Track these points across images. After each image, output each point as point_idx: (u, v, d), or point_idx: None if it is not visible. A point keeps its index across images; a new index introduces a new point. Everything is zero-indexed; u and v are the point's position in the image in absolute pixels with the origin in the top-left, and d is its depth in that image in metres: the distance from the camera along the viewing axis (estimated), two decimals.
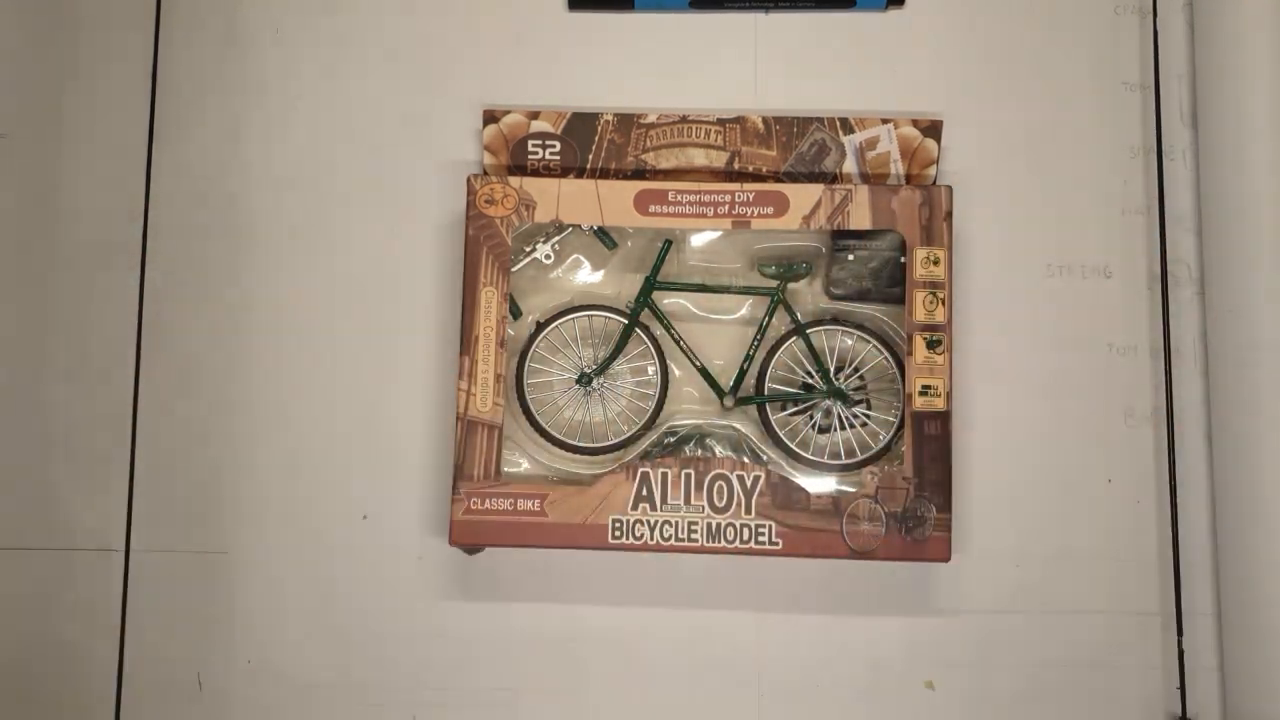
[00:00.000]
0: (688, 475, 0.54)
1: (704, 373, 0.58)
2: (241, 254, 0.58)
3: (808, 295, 0.58)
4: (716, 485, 0.54)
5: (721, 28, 0.59)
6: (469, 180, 0.55)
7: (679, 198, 0.56)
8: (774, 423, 0.57)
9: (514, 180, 0.55)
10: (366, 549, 0.56)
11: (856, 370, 0.57)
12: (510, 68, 0.59)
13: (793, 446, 0.57)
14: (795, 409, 0.57)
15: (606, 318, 0.58)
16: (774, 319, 0.58)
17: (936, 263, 0.54)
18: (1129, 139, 0.58)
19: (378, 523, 0.57)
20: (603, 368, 0.58)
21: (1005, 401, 0.57)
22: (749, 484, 0.54)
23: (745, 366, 0.58)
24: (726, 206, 0.55)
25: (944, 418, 0.54)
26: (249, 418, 0.57)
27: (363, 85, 0.59)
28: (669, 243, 0.57)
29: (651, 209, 0.56)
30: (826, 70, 0.59)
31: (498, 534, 0.54)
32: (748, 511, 0.54)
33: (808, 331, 0.57)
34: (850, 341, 0.57)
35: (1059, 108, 0.59)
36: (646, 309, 0.58)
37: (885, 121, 0.57)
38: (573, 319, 0.58)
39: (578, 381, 0.58)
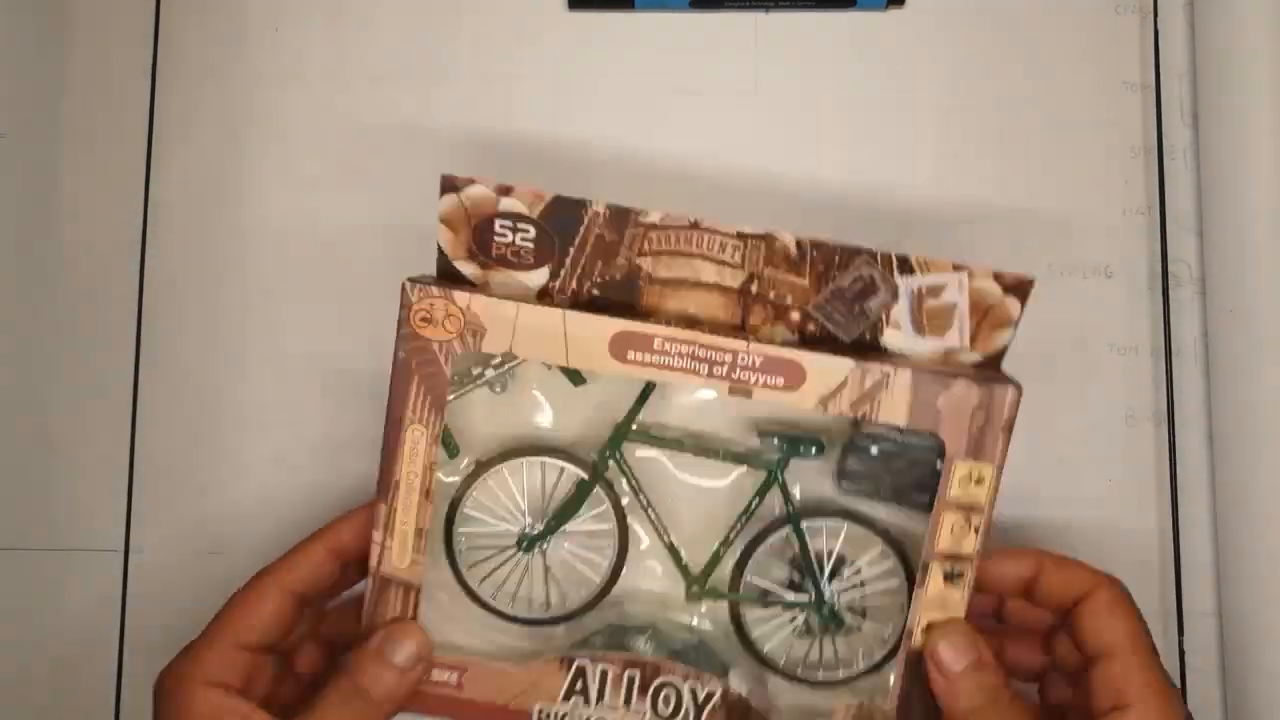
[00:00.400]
0: (631, 676, 0.47)
1: (673, 552, 0.49)
2: (241, 254, 0.58)
3: (813, 476, 0.49)
4: (664, 693, 0.47)
5: (722, 27, 0.59)
6: (404, 288, 0.44)
7: (668, 346, 0.44)
8: (746, 622, 0.49)
9: (460, 297, 0.44)
10: None
11: (859, 578, 0.49)
12: (511, 67, 0.59)
13: (763, 653, 0.49)
14: (774, 607, 0.49)
15: (563, 468, 0.49)
16: (767, 498, 0.49)
17: (980, 482, 0.44)
18: (1129, 139, 0.58)
19: None
20: (550, 529, 0.49)
21: None
22: (701, 697, 0.47)
23: (722, 552, 0.49)
24: (725, 367, 0.44)
25: None
26: (249, 418, 0.57)
27: (362, 85, 0.59)
28: (651, 385, 0.48)
29: (631, 355, 0.44)
30: (827, 70, 0.59)
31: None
32: None
33: (804, 525, 0.48)
34: (854, 543, 0.49)
35: (1059, 108, 0.59)
36: (613, 463, 0.49)
37: (958, 269, 0.45)
38: (522, 464, 0.49)
39: (518, 544, 0.49)
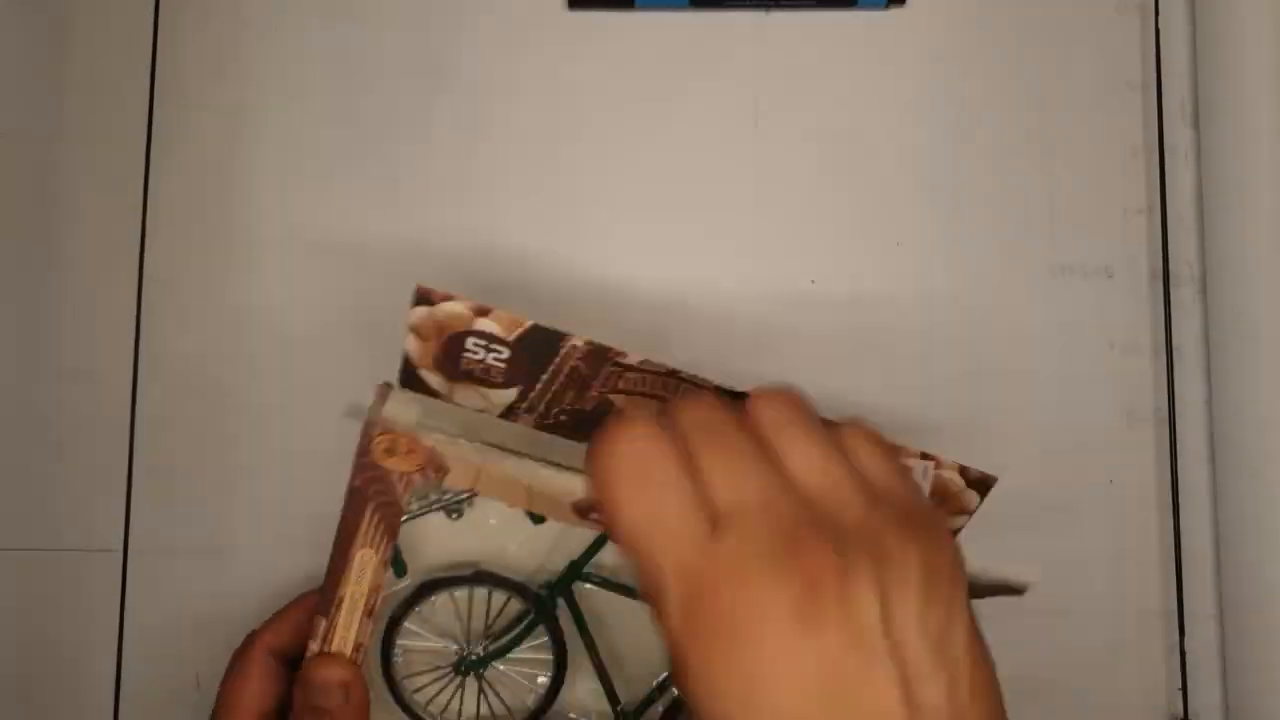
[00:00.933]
0: None
1: (608, 689, 0.49)
2: (241, 254, 0.58)
3: None
4: None
5: (722, 27, 0.59)
6: (365, 426, 0.44)
7: None
8: None
9: (425, 437, 0.43)
10: None
11: None
12: (511, 67, 0.59)
13: None
14: None
15: (508, 598, 0.49)
16: None
17: None
18: (1130, 139, 0.58)
19: None
20: (491, 657, 0.49)
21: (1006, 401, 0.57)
22: None
23: (655, 696, 0.49)
24: None
25: None
26: (248, 417, 0.57)
27: (362, 85, 0.59)
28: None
29: (594, 516, 0.43)
30: (827, 70, 0.59)
31: None
32: None
33: None
34: None
35: (1059, 107, 0.59)
36: (561, 600, 0.49)
37: (926, 457, 0.45)
38: (468, 591, 0.49)
39: (455, 667, 0.49)
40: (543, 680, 0.49)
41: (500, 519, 0.49)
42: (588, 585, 0.49)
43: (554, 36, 0.60)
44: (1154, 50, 0.58)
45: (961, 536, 0.46)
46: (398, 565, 0.49)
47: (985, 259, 0.58)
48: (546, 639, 0.49)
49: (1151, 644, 0.55)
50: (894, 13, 0.59)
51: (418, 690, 0.49)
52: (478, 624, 0.49)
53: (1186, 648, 0.55)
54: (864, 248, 0.58)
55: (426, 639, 0.49)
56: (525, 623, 0.49)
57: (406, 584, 0.49)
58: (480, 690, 0.49)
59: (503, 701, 0.50)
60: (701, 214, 0.58)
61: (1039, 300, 0.57)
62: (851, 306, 0.58)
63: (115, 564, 0.57)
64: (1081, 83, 0.59)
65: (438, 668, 0.50)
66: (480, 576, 0.49)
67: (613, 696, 0.49)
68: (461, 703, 0.49)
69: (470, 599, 0.49)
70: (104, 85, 0.59)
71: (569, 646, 0.49)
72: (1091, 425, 0.57)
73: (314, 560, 0.56)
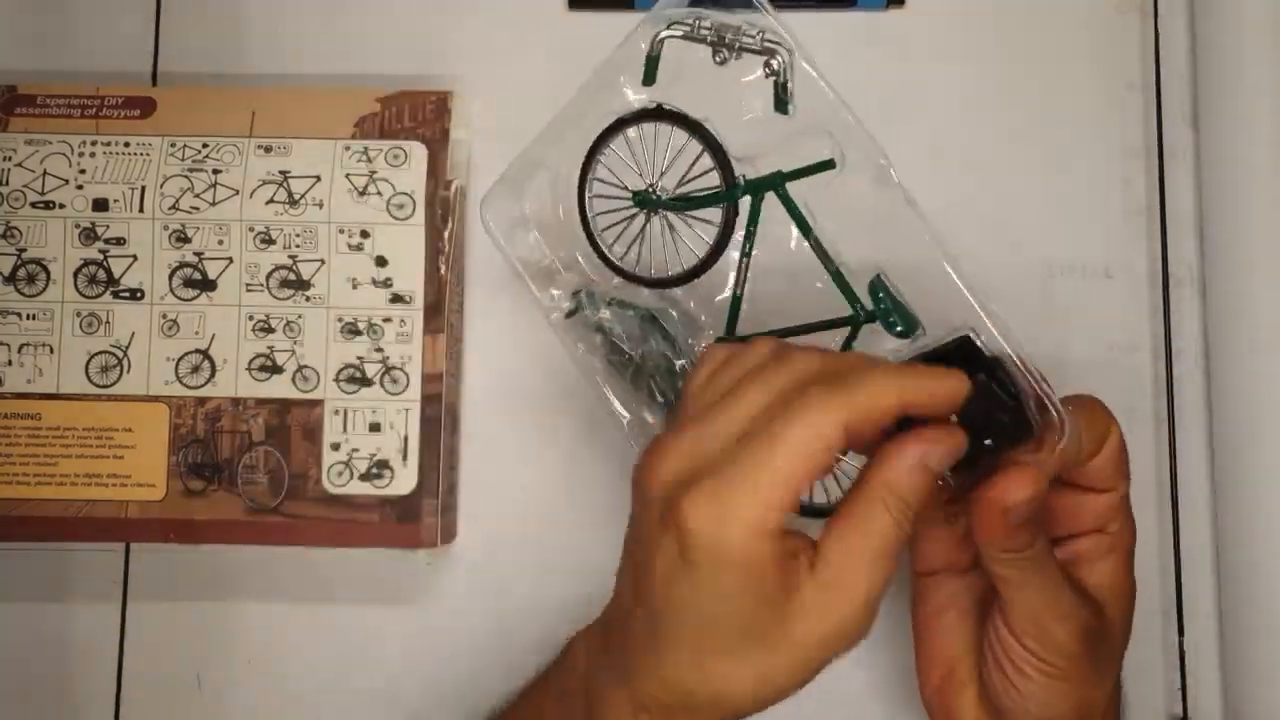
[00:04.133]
0: None
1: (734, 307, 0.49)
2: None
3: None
4: None
5: None
6: None
7: None
8: None
9: None
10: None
11: None
12: (511, 67, 0.59)
13: None
14: None
15: (710, 168, 0.49)
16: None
17: None
18: (1129, 139, 0.58)
19: None
20: (671, 204, 0.50)
21: None
22: None
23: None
24: None
25: None
26: None
27: (361, 85, 0.59)
28: (831, 163, 0.48)
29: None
30: (826, 70, 0.59)
31: None
32: None
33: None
34: None
35: (1059, 108, 0.59)
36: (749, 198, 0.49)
37: None
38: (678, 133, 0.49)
39: (637, 198, 0.50)
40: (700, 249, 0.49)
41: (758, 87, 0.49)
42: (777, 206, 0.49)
43: (554, 36, 0.60)
44: (1154, 51, 0.58)
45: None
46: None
47: (985, 259, 0.58)
48: (717, 222, 0.49)
49: (1150, 643, 0.55)
50: (894, 13, 0.59)
51: (604, 228, 0.51)
52: (659, 162, 0.50)
53: (1186, 647, 0.55)
54: None
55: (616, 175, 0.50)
56: (712, 192, 0.49)
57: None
58: (658, 227, 0.50)
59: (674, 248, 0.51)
60: None
61: (1038, 300, 0.57)
62: None
63: (116, 564, 0.57)
64: (1081, 83, 0.59)
65: (622, 203, 0.50)
66: (703, 130, 0.49)
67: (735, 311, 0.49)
68: (642, 237, 0.50)
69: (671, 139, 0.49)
70: (104, 85, 0.59)
71: (728, 243, 0.49)
72: None
73: (316, 559, 0.57)
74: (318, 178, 0.55)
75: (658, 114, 0.50)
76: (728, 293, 0.50)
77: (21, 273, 0.54)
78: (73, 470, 0.54)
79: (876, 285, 0.48)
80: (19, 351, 0.54)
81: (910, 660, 0.49)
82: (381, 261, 0.54)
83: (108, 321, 0.54)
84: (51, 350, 0.54)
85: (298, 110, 0.56)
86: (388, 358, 0.54)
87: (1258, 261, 0.54)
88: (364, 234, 0.55)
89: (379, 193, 0.55)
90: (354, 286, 0.54)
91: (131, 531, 0.54)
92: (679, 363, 0.50)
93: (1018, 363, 0.42)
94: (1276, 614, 0.52)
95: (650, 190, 0.50)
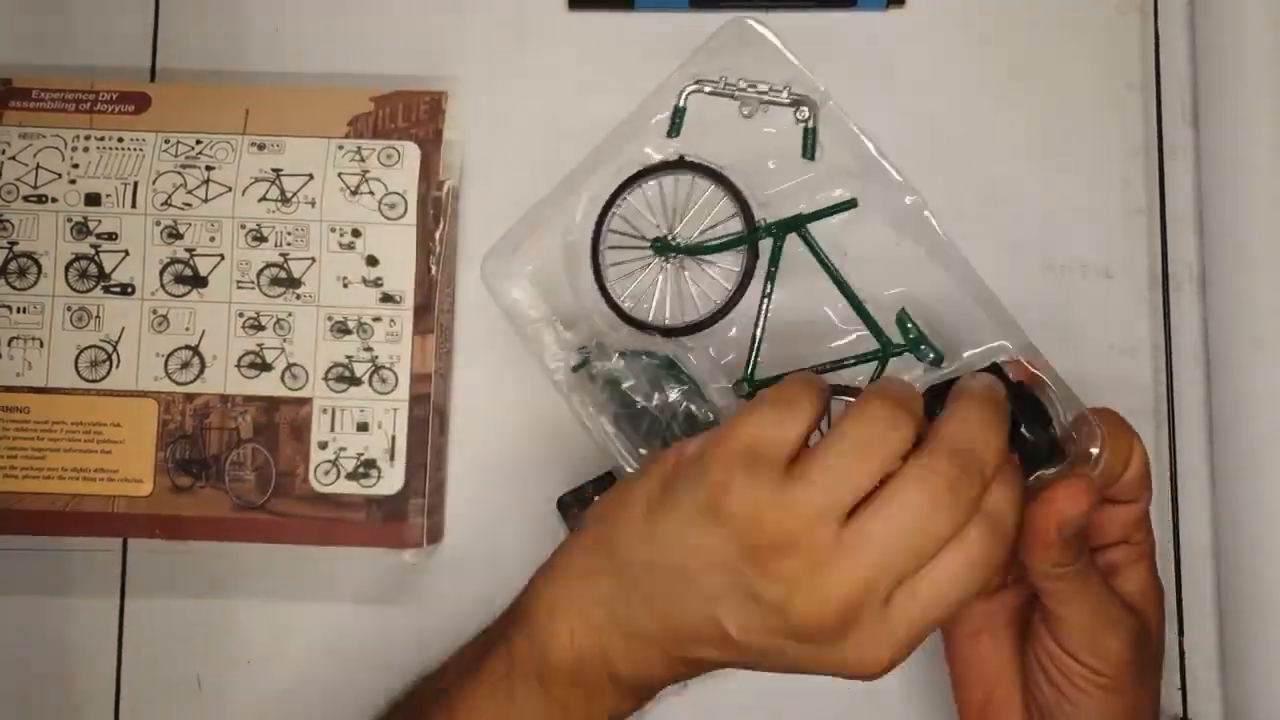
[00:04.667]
0: None
1: (754, 349, 0.50)
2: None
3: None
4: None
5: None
6: None
7: None
8: None
9: None
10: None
11: None
12: (511, 67, 0.59)
13: None
14: None
15: (733, 213, 0.51)
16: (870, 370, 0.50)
17: None
18: (1129, 139, 0.58)
19: None
20: (690, 250, 0.51)
21: None
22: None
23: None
24: None
25: None
26: None
27: (361, 85, 0.59)
28: (854, 202, 0.51)
29: None
30: (826, 71, 0.59)
31: None
32: None
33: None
34: None
35: (1059, 108, 0.58)
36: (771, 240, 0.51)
37: None
38: (696, 181, 0.51)
39: (654, 246, 0.52)
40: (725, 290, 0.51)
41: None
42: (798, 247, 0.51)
43: (554, 36, 0.59)
44: (1153, 50, 0.58)
45: None
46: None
47: (985, 259, 0.57)
48: (739, 267, 0.51)
49: None
50: (894, 13, 0.59)
51: (619, 277, 0.52)
52: (679, 209, 0.52)
53: (1185, 647, 0.54)
54: None
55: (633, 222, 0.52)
56: (732, 236, 0.51)
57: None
58: (673, 275, 0.52)
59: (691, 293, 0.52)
60: None
61: (1039, 300, 0.57)
62: None
63: (116, 564, 0.57)
64: (1081, 83, 0.59)
65: (639, 248, 0.52)
66: (715, 175, 0.51)
67: (752, 357, 0.50)
68: (655, 287, 0.52)
69: (691, 189, 0.52)
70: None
71: (750, 285, 0.51)
72: None
73: (316, 558, 0.56)
74: (310, 176, 0.55)
75: (679, 164, 0.52)
76: (734, 331, 0.51)
77: (12, 266, 0.54)
78: (60, 464, 0.53)
79: (904, 317, 0.49)
80: (9, 345, 0.54)
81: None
82: (372, 261, 0.54)
83: (98, 316, 0.54)
84: (41, 344, 0.54)
85: (292, 108, 0.56)
86: (377, 357, 0.54)
87: (1258, 261, 0.54)
88: (355, 233, 0.55)
89: (371, 192, 0.55)
90: (344, 285, 0.54)
91: (119, 526, 0.53)
92: (699, 406, 0.50)
93: (1050, 388, 0.44)
94: (1276, 614, 0.51)
95: (669, 237, 0.52)
